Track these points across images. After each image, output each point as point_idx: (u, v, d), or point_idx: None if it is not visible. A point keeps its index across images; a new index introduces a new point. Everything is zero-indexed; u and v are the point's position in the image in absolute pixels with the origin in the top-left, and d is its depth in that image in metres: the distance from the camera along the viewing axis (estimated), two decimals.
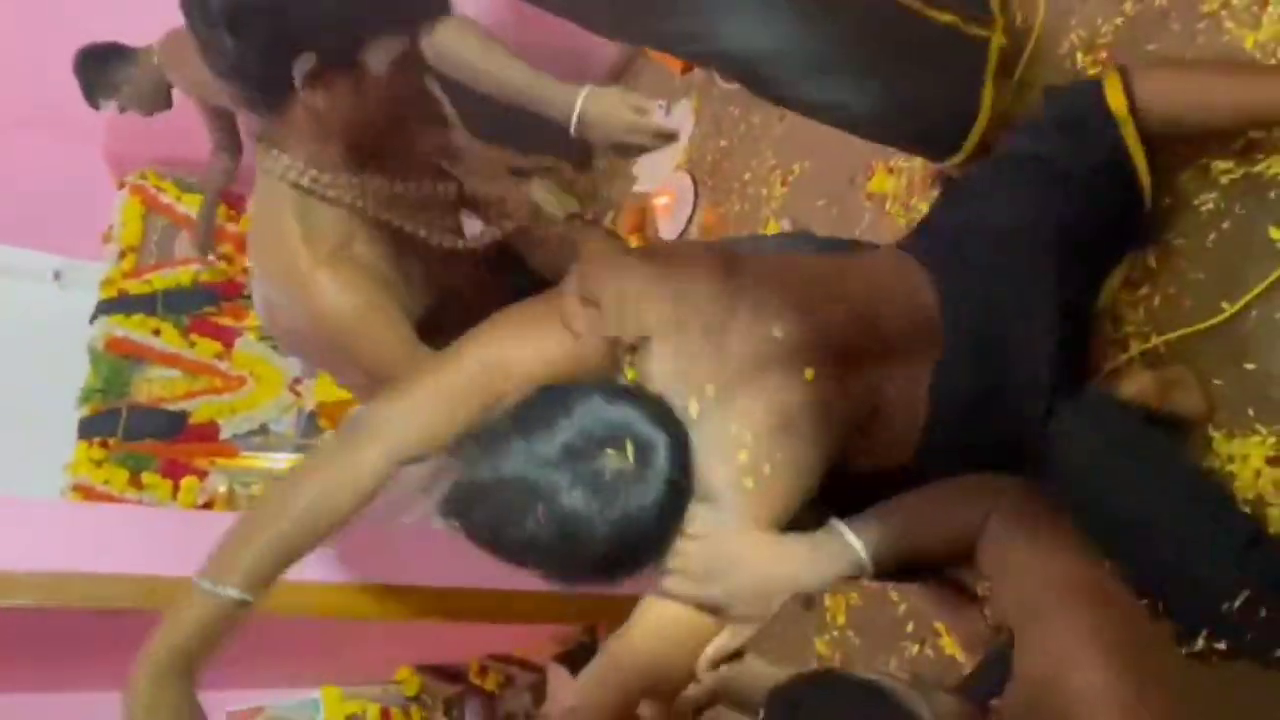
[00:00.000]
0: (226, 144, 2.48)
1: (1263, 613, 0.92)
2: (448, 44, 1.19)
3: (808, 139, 2.14)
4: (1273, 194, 1.19)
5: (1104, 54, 1.44)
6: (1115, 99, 1.14)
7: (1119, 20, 1.43)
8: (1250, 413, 1.18)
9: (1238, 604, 0.91)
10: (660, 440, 0.80)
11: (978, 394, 1.04)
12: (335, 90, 0.88)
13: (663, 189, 2.62)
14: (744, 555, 0.82)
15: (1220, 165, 1.25)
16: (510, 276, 1.15)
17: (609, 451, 0.78)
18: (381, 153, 1.00)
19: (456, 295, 1.09)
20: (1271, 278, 1.16)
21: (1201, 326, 1.22)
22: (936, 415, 1.02)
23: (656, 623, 0.84)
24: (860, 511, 0.90)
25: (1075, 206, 1.13)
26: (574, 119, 1.18)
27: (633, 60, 2.86)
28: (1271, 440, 1.16)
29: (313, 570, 2.06)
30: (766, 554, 0.83)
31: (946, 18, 1.41)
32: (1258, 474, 1.16)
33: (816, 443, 0.90)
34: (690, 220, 2.49)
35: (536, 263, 1.16)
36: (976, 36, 1.45)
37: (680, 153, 2.58)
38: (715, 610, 0.84)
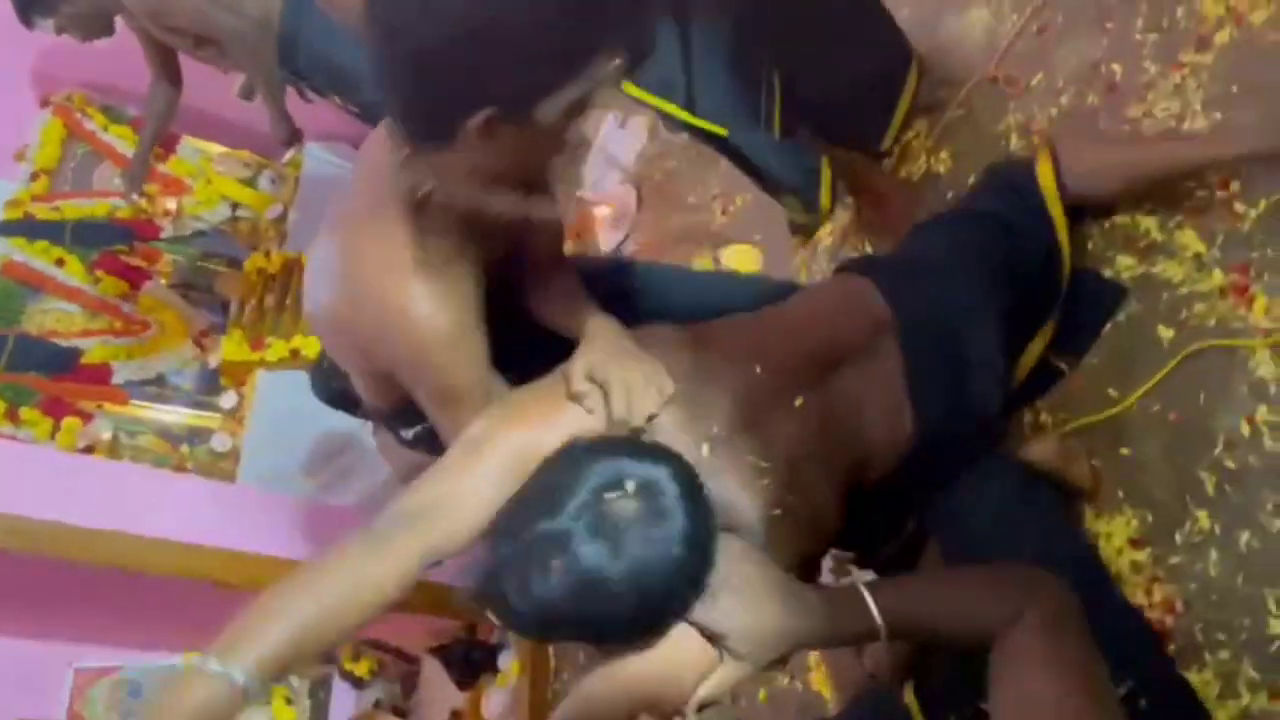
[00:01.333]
0: (168, 76, 2.39)
1: (1142, 704, 0.97)
2: None
3: None
4: (1165, 295, 1.28)
5: (1036, 139, 1.52)
6: (1045, 176, 1.27)
7: (1053, 111, 1.52)
8: (1120, 494, 1.26)
9: (1120, 691, 0.95)
10: (662, 473, 0.79)
11: (946, 374, 1.11)
12: (500, 139, 0.82)
13: (606, 199, 2.63)
14: (760, 594, 0.81)
15: (1125, 260, 1.33)
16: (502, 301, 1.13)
17: (612, 496, 0.76)
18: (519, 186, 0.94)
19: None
20: (1160, 374, 1.24)
21: (1099, 417, 1.30)
22: (919, 403, 1.08)
23: (671, 648, 0.81)
24: (877, 533, 0.95)
25: (1013, 253, 1.23)
26: None
27: None
28: (1135, 523, 1.24)
29: (189, 531, 2.00)
30: (779, 601, 0.81)
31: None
32: (1119, 552, 1.24)
33: (826, 462, 0.96)
34: (628, 236, 2.52)
35: (529, 302, 1.14)
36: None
37: (629, 166, 2.60)
38: (714, 638, 0.81)
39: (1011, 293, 1.20)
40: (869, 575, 1.07)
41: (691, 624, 0.81)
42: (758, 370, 0.95)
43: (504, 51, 0.76)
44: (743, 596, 0.80)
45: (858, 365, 1.07)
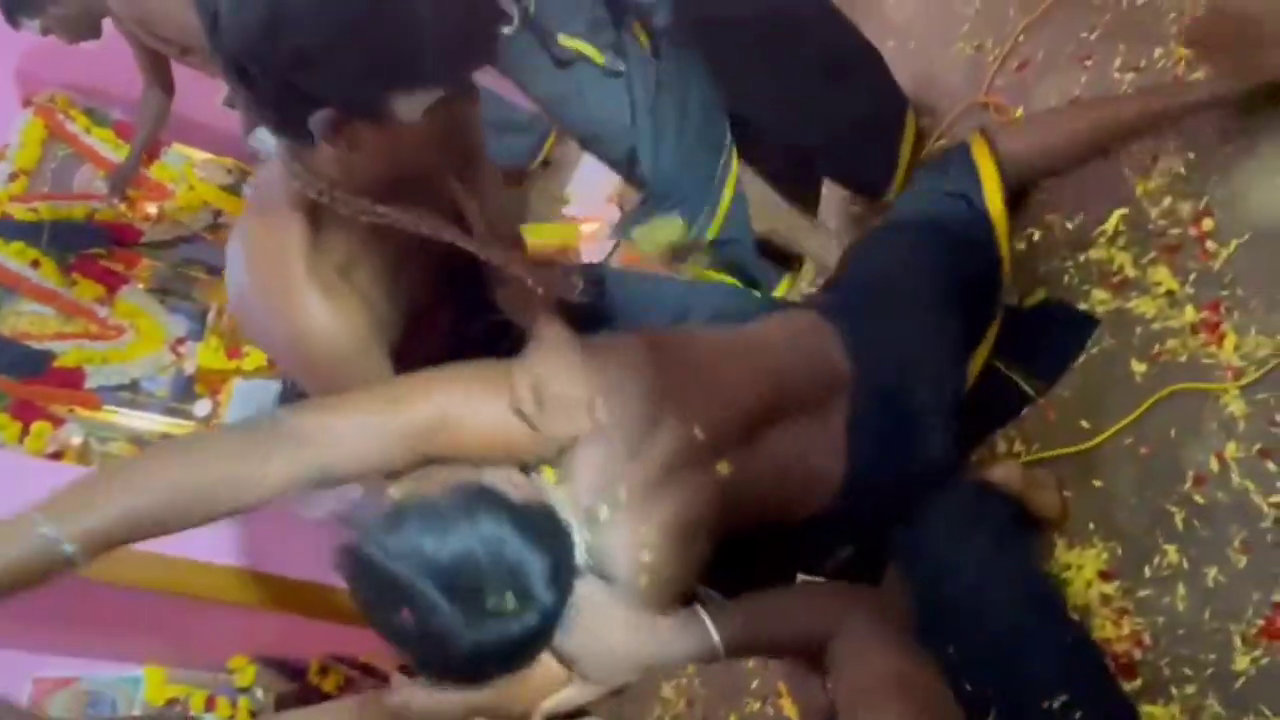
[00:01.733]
0: (160, 82, 2.38)
1: (1077, 715, 0.98)
2: None
3: None
4: (1138, 330, 1.29)
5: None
6: (982, 158, 1.27)
7: None
8: (1091, 527, 1.27)
9: (1057, 705, 0.96)
10: (538, 564, 0.78)
11: (889, 433, 1.10)
12: (359, 139, 0.81)
13: (592, 217, 2.64)
14: (610, 623, 0.84)
15: (1099, 294, 1.35)
16: (464, 290, 1.11)
17: (489, 587, 0.76)
18: (407, 193, 0.92)
19: (419, 305, 1.05)
20: (1132, 416, 1.26)
21: (1069, 450, 1.31)
22: (854, 457, 1.07)
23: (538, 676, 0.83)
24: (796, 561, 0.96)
25: (958, 263, 1.23)
26: None
27: None
28: (1105, 556, 1.25)
29: (155, 541, 1.97)
30: (628, 630, 0.84)
31: None
32: (1089, 584, 1.25)
33: (723, 531, 0.95)
34: (611, 254, 2.52)
35: (494, 293, 1.13)
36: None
37: (614, 185, 2.61)
38: (565, 661, 0.83)
39: (961, 304, 1.21)
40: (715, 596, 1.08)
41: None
42: (698, 435, 0.94)
43: (325, 49, 0.74)
44: (594, 627, 0.83)
45: (800, 421, 1.05)
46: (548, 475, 0.89)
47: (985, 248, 1.25)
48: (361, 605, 0.79)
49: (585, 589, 0.84)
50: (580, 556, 0.85)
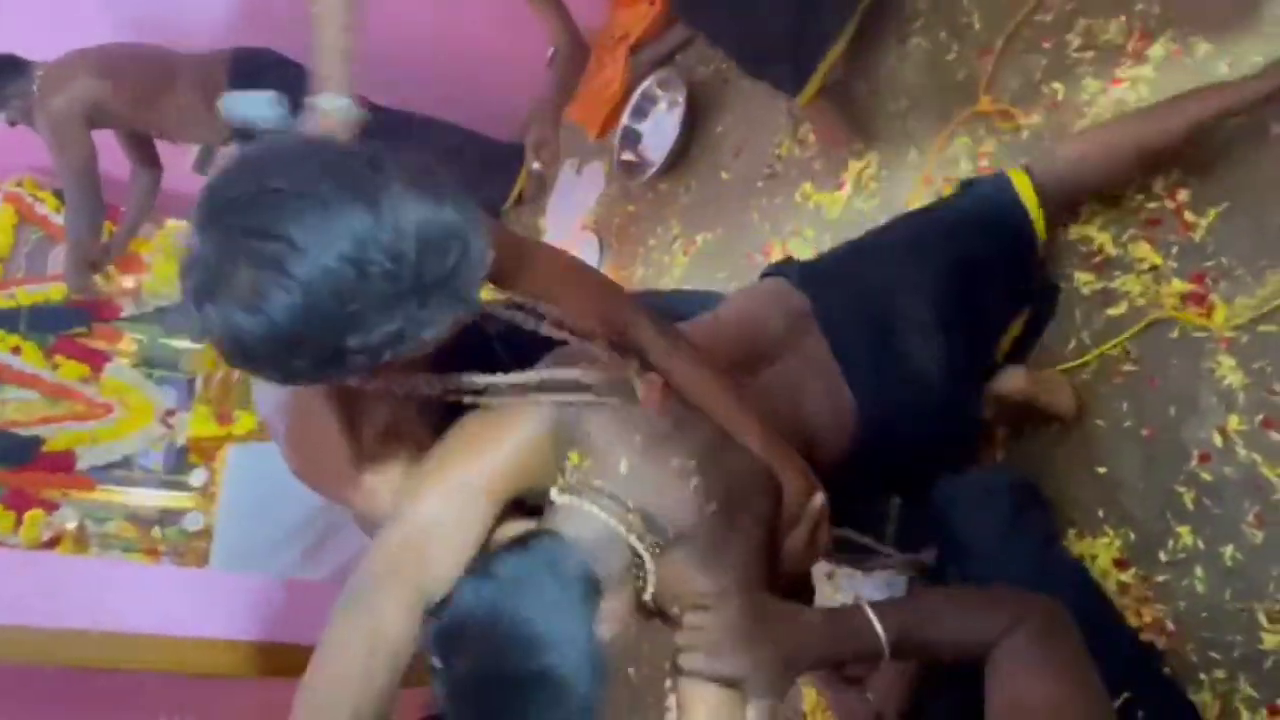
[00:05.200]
0: (144, 160, 2.37)
1: (1140, 715, 0.95)
2: None
3: (712, 210, 2.18)
4: (1125, 308, 1.27)
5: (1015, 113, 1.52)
6: (1024, 189, 1.22)
7: (1007, 136, 1.52)
8: (1100, 514, 1.24)
9: (1117, 703, 0.93)
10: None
11: (875, 347, 1.13)
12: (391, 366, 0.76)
13: (568, 244, 2.63)
14: (760, 623, 0.82)
15: (1082, 276, 1.33)
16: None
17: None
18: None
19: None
20: (1129, 333, 1.23)
21: (1070, 365, 1.30)
22: (853, 382, 1.11)
23: (709, 715, 0.82)
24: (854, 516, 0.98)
25: (970, 246, 1.20)
26: None
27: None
28: (1118, 544, 1.21)
29: (161, 623, 1.93)
30: (784, 623, 0.83)
31: None
32: (1105, 574, 1.21)
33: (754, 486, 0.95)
34: None
35: None
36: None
37: (589, 212, 2.60)
38: (735, 684, 0.82)
39: (964, 280, 1.18)
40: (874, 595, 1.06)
41: (708, 679, 0.82)
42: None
43: (343, 340, 0.70)
44: (739, 641, 0.81)
45: (786, 357, 1.10)
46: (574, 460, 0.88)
47: (1008, 227, 1.22)
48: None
49: (676, 556, 0.85)
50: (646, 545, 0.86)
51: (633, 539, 0.85)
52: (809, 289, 1.17)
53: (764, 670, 0.81)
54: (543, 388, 0.87)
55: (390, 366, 0.73)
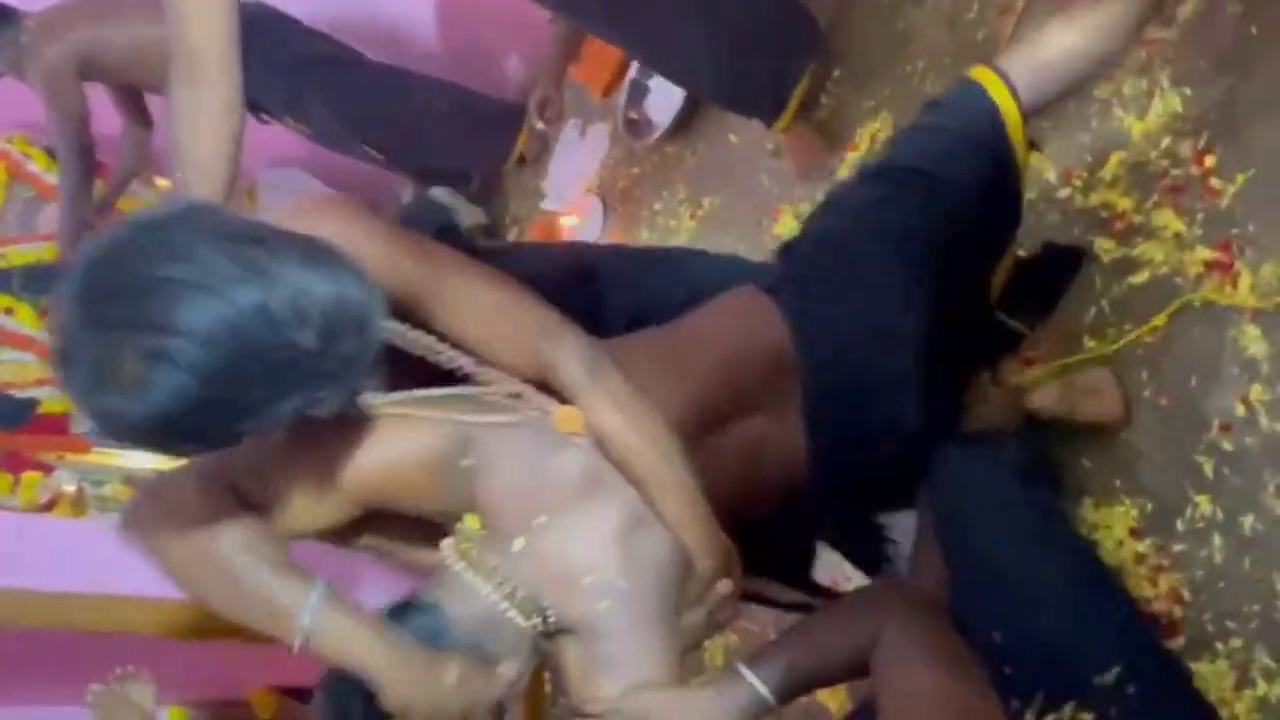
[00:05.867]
0: (137, 116, 2.33)
1: (1130, 689, 0.94)
2: None
3: (719, 173, 2.15)
4: (1148, 276, 1.25)
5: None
6: (997, 92, 1.08)
7: None
8: (1117, 483, 1.23)
9: (1110, 678, 0.93)
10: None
11: (850, 413, 1.05)
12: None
13: (572, 209, 2.59)
14: (657, 714, 0.83)
15: (1103, 243, 1.31)
16: None
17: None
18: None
19: None
20: (1155, 321, 1.22)
21: (1085, 357, 1.27)
22: (816, 445, 1.03)
23: None
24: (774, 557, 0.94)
25: (940, 214, 1.08)
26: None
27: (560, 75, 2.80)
28: (1134, 513, 1.21)
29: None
30: (675, 710, 0.83)
31: None
32: (1120, 544, 1.21)
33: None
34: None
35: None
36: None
37: (593, 175, 2.56)
38: None
39: (948, 257, 1.08)
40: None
41: None
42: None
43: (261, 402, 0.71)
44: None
45: (755, 419, 1.02)
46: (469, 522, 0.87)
47: (990, 149, 1.08)
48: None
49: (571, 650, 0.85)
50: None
51: (519, 620, 0.83)
52: (792, 318, 1.04)
53: None
54: (443, 402, 0.85)
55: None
